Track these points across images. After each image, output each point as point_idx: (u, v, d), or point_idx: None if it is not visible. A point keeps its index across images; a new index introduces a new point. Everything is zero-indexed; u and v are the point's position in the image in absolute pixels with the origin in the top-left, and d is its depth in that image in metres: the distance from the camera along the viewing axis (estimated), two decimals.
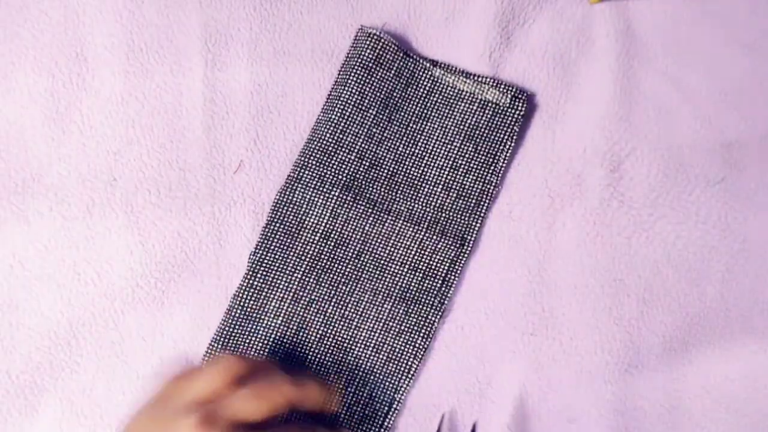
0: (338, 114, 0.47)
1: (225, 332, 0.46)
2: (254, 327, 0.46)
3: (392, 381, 0.46)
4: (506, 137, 0.49)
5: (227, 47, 0.50)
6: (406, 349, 0.46)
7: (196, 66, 0.49)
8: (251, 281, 0.46)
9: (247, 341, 0.46)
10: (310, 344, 0.46)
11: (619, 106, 0.50)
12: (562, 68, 0.51)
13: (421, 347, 0.47)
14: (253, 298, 0.46)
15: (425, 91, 0.49)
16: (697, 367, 0.48)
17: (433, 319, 0.47)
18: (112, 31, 0.49)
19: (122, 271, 0.47)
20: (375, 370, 0.46)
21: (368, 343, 0.46)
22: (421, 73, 0.50)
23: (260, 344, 0.46)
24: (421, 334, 0.47)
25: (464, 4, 0.51)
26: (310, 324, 0.46)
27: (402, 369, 0.46)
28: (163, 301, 0.47)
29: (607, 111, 0.50)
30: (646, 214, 0.49)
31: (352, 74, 0.48)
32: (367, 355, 0.46)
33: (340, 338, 0.46)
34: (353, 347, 0.46)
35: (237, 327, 0.46)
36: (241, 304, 0.46)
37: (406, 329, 0.47)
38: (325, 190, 0.47)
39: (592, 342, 0.48)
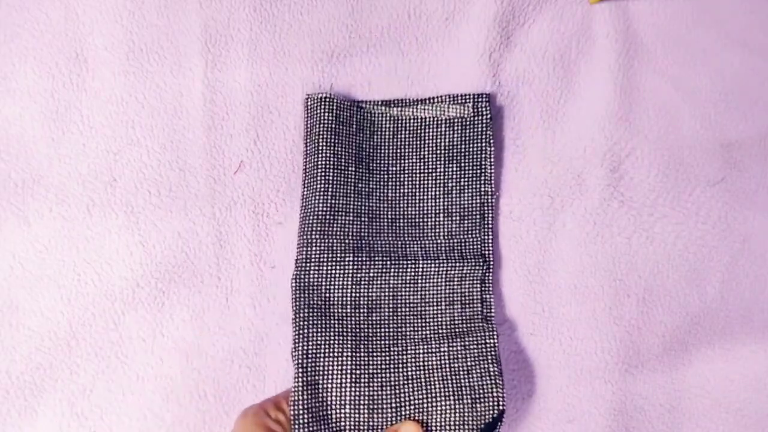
0: (322, 182, 0.46)
1: None
2: (326, 426, 0.41)
3: (486, 419, 0.42)
4: (484, 145, 0.48)
5: (227, 47, 0.50)
6: (485, 383, 0.43)
7: (196, 66, 0.49)
8: (304, 378, 0.42)
9: None
10: (389, 422, 0.42)
11: (619, 106, 0.50)
12: (562, 68, 0.51)
13: (497, 374, 0.43)
14: (313, 397, 0.41)
15: (391, 133, 0.49)
16: (697, 367, 0.48)
17: (492, 341, 0.44)
18: (112, 31, 0.49)
19: (122, 272, 0.47)
20: (465, 418, 0.42)
21: (446, 394, 0.43)
22: (379, 119, 0.49)
23: None
24: (489, 360, 0.44)
25: (464, 4, 0.51)
26: (381, 402, 0.43)
27: (491, 404, 0.42)
28: (163, 301, 0.47)
29: (607, 111, 0.50)
30: (646, 214, 0.49)
31: (320, 140, 0.47)
32: (452, 406, 0.42)
33: (417, 403, 0.43)
34: (435, 405, 0.43)
35: None
36: (305, 407, 0.41)
37: (474, 363, 0.44)
38: (337, 259, 0.45)
39: (592, 342, 0.48)
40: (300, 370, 0.42)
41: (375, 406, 0.42)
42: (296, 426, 0.40)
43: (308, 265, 0.45)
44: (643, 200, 0.49)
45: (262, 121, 0.49)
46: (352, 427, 0.42)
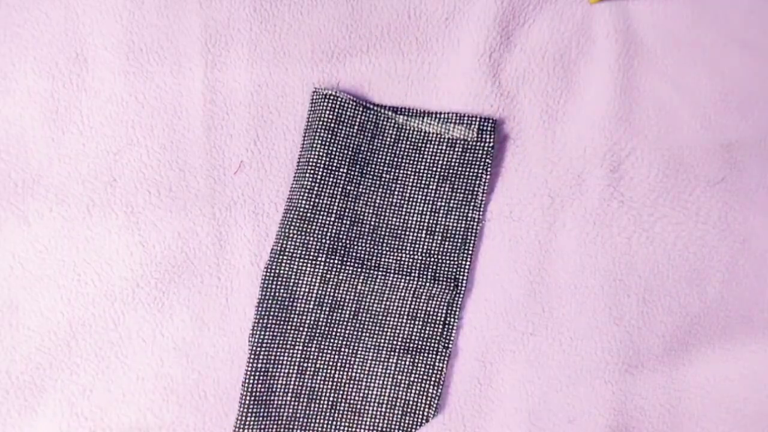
0: (310, 179, 0.47)
1: (242, 421, 0.45)
2: (266, 410, 0.45)
3: None
4: (481, 171, 0.49)
5: (227, 48, 0.50)
6: (419, 401, 0.46)
7: (196, 66, 0.49)
8: (255, 365, 0.45)
9: (263, 425, 0.45)
10: (323, 414, 0.46)
11: (619, 106, 0.50)
12: (562, 68, 0.51)
13: (433, 396, 0.46)
14: (260, 382, 0.45)
15: (392, 140, 0.49)
16: (697, 367, 0.48)
17: (441, 365, 0.47)
18: (112, 32, 0.49)
19: (122, 272, 0.47)
20: (392, 427, 0.46)
21: (381, 401, 0.46)
22: (384, 123, 0.49)
23: (275, 426, 0.45)
24: (432, 383, 0.46)
25: (464, 4, 0.51)
26: (320, 394, 0.46)
27: (417, 422, 0.46)
28: (163, 301, 0.47)
29: (607, 111, 0.50)
30: (646, 214, 0.49)
31: (317, 137, 0.47)
32: (383, 413, 0.46)
33: (352, 401, 0.46)
34: (367, 408, 0.46)
35: (251, 414, 0.45)
36: (250, 390, 0.45)
37: (416, 380, 0.46)
38: (310, 257, 0.46)
39: (592, 342, 0.48)
40: (252, 356, 0.45)
41: (314, 397, 0.46)
42: (241, 406, 0.45)
43: (282, 257, 0.46)
44: (643, 200, 0.49)
45: (262, 121, 0.49)
46: (290, 415, 0.45)
